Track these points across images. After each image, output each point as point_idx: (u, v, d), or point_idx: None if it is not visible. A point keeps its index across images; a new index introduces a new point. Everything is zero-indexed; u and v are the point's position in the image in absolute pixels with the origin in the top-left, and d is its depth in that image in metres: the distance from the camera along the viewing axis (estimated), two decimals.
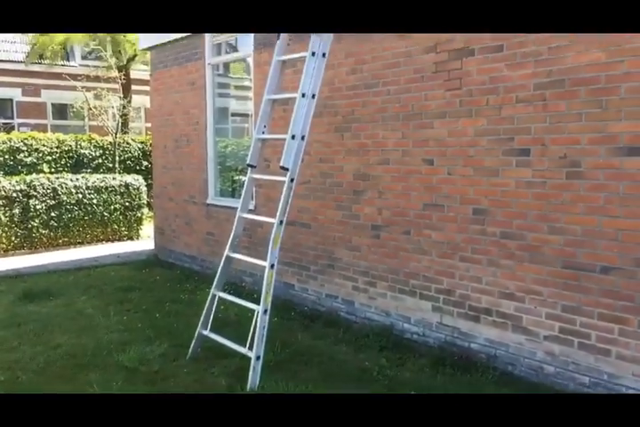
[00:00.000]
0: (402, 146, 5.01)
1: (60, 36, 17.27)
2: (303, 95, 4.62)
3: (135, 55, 17.44)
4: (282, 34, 5.02)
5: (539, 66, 3.97)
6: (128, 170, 13.85)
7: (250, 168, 5.00)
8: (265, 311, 4.37)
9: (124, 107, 14.90)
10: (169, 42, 8.31)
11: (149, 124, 12.49)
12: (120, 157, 14.00)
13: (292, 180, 4.55)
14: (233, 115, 8.54)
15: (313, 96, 4.65)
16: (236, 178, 7.84)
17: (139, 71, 19.34)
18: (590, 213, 3.76)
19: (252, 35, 6.68)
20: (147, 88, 12.39)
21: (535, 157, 4.03)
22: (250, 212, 5.38)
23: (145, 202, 11.06)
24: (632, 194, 3.55)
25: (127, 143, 14.37)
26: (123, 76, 15.88)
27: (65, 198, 9.96)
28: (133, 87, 18.39)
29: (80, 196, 10.14)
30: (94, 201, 10.30)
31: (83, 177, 10.33)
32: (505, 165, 4.23)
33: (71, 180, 10.12)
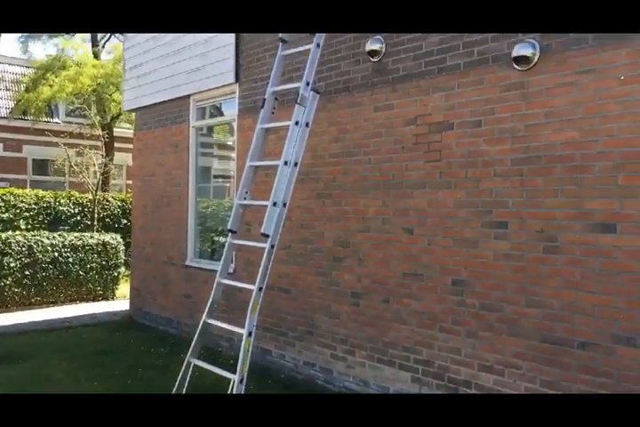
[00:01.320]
0: (382, 214, 5.07)
1: (45, 93, 17.46)
2: (286, 163, 4.70)
3: (119, 114, 17.66)
4: (266, 100, 5.14)
5: (516, 142, 4.09)
6: (107, 228, 13.77)
7: (230, 233, 5.02)
8: (241, 381, 4.28)
9: (105, 165, 14.96)
10: (154, 104, 8.45)
11: (130, 182, 12.52)
12: (99, 214, 13.94)
13: (272, 246, 4.56)
14: (215, 175, 8.60)
15: (295, 164, 4.73)
16: (216, 239, 7.82)
17: (122, 129, 19.54)
18: (567, 287, 3.79)
19: (237, 100, 6.82)
20: (129, 145, 12.49)
21: (513, 230, 4.09)
22: (229, 275, 5.34)
23: (122, 261, 10.94)
24: (607, 270, 3.60)
25: (107, 201, 14.34)
26: (106, 135, 16.02)
27: (40, 256, 9.82)
28: (116, 144, 18.53)
29: (56, 254, 10.01)
30: (70, 260, 10.17)
31: (60, 235, 10.24)
32: (484, 236, 4.28)
33: (48, 238, 10.02)
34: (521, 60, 4.01)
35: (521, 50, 4.00)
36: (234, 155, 6.98)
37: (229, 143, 7.75)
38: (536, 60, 3.95)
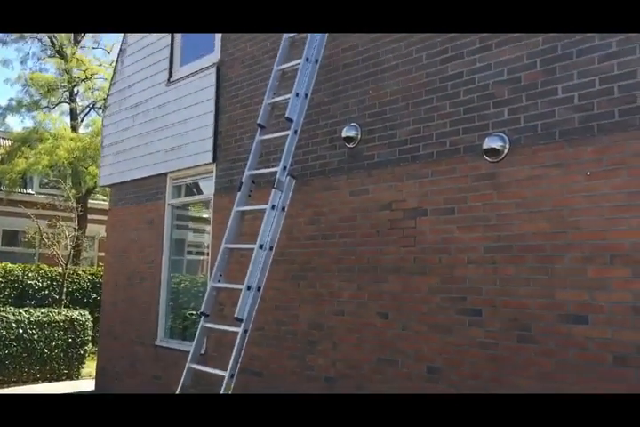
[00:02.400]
0: (357, 297, 5.06)
1: (20, 166, 17.50)
2: (261, 247, 4.73)
3: (95, 187, 17.70)
4: (243, 183, 5.21)
5: (488, 230, 4.18)
6: (76, 302, 13.46)
7: (203, 316, 4.95)
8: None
9: (77, 238, 14.82)
10: (131, 181, 8.50)
11: (103, 254, 12.38)
12: (68, 288, 13.66)
13: (245, 331, 4.50)
14: (189, 250, 8.57)
15: (271, 248, 4.76)
16: (188, 316, 7.70)
17: (97, 201, 19.52)
18: (542, 378, 3.78)
19: (214, 179, 6.91)
20: (103, 217, 12.44)
21: (487, 317, 4.11)
22: (200, 356, 5.23)
23: (90, 338, 10.65)
24: (580, 361, 3.61)
25: (77, 274, 14.09)
26: (80, 207, 15.98)
27: (4, 333, 9.51)
28: (90, 216, 18.45)
29: (21, 331, 9.71)
30: (35, 337, 9.86)
31: (26, 311, 9.97)
32: (458, 323, 4.28)
33: (13, 314, 9.74)
34: (491, 152, 4.16)
35: (491, 142, 4.16)
36: (209, 228, 6.99)
37: (205, 216, 7.78)
38: (506, 152, 4.10)
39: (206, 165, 7.06)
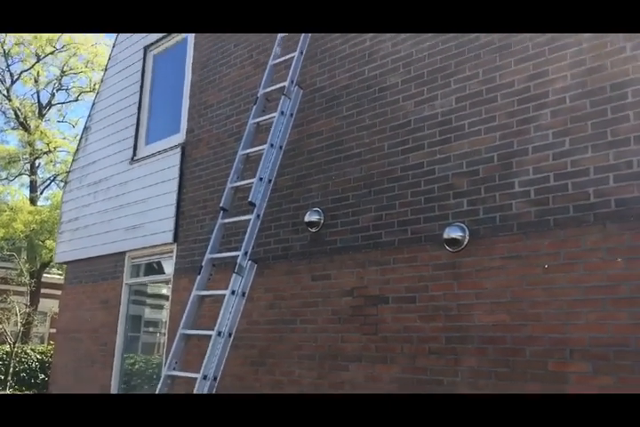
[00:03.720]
0: (317, 386, 4.93)
1: None
2: (219, 333, 4.62)
3: (50, 261, 17.29)
4: (204, 267, 5.15)
5: (449, 320, 4.16)
6: (22, 383, 12.82)
7: None
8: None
9: (28, 315, 14.31)
10: (88, 258, 8.34)
11: (54, 330, 11.93)
12: (15, 368, 13.04)
13: None
14: (145, 329, 8.32)
15: (230, 335, 4.65)
16: None
17: (52, 275, 19.02)
18: None
19: (174, 259, 6.81)
20: (57, 292, 12.07)
21: None
22: None
23: None
24: None
25: (25, 353, 13.51)
26: (33, 283, 15.54)
27: None
28: (43, 291, 17.91)
29: None
30: None
31: None
32: None
33: None
34: (451, 241, 4.21)
35: (451, 232, 4.22)
36: (167, 304, 6.83)
37: (164, 291, 7.60)
38: (466, 242, 4.16)
39: (167, 244, 6.98)
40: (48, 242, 16.49)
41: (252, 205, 5.08)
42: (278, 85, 5.62)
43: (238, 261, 4.84)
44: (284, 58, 5.78)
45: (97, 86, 20.74)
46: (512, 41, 4.18)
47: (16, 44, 22.08)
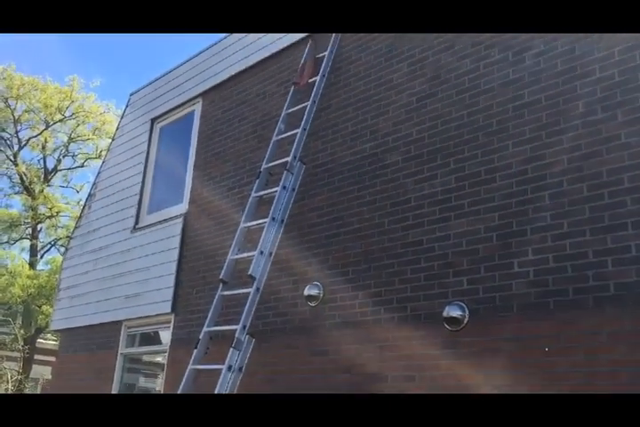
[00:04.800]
0: None
1: None
2: None
3: (46, 326, 17.08)
4: (200, 340, 5.10)
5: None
6: None
7: None
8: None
9: (20, 382, 14.01)
10: (84, 327, 8.25)
11: None
12: None
13: None
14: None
15: None
16: None
17: (46, 341, 18.72)
18: None
19: (171, 330, 6.74)
20: (51, 358, 11.87)
21: None
22: None
23: None
24: None
25: None
26: (27, 349, 15.30)
27: None
28: (37, 356, 17.59)
29: None
30: None
31: None
32: None
33: None
34: (451, 320, 4.19)
35: (451, 311, 4.21)
36: (163, 374, 6.69)
37: (159, 359, 7.46)
38: (465, 322, 4.14)
39: (164, 314, 6.93)
40: (45, 307, 16.35)
41: (252, 278, 5.09)
42: (281, 160, 5.75)
43: (236, 335, 4.80)
44: (287, 134, 5.94)
45: (103, 153, 21.16)
46: (510, 124, 4.31)
47: (26, 112, 22.68)
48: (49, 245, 20.64)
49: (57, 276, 11.69)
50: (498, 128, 4.37)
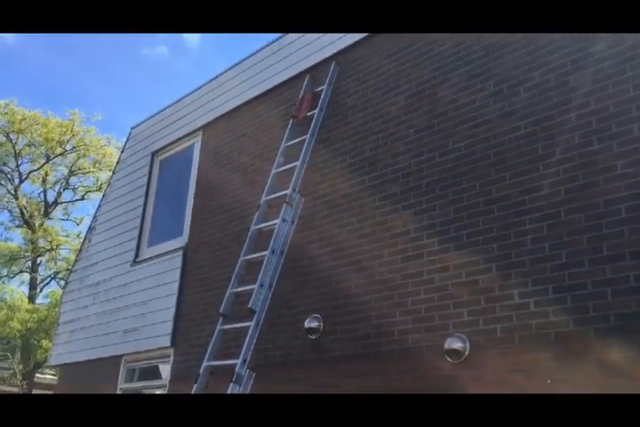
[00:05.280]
0: None
1: None
2: None
3: (45, 361, 16.92)
4: (200, 375, 5.05)
5: None
6: None
7: None
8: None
9: None
10: (83, 362, 8.17)
11: None
12: None
13: None
14: None
15: None
16: None
17: (44, 375, 18.52)
18: None
19: (170, 364, 6.68)
20: (50, 393, 11.70)
21: None
22: None
23: None
24: None
25: None
26: (25, 384, 15.13)
27: None
28: (35, 391, 17.36)
29: None
30: None
31: None
32: None
33: None
34: (452, 352, 4.16)
35: (452, 343, 4.18)
36: None
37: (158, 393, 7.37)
38: (467, 354, 4.11)
39: (164, 348, 6.88)
40: (44, 342, 16.21)
41: (253, 311, 5.07)
42: (280, 193, 5.78)
43: (237, 369, 4.76)
44: (286, 166, 5.98)
45: (103, 185, 21.26)
46: (507, 156, 4.35)
47: (27, 146, 22.87)
48: (48, 279, 20.61)
49: (56, 310, 11.62)
50: (495, 159, 4.41)
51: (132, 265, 7.96)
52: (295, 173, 5.74)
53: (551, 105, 4.21)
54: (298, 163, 5.79)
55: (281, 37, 6.93)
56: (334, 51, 6.18)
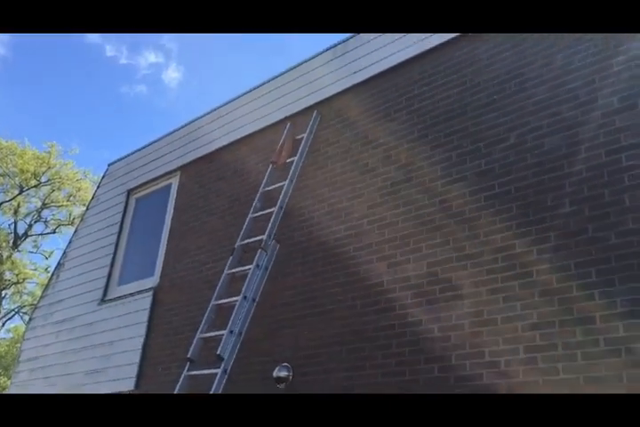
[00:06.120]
0: None
1: None
2: None
3: None
4: None
5: None
6: None
7: None
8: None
9: None
10: None
11: None
12: None
13: None
14: None
15: None
16: None
17: None
18: None
19: None
20: None
21: None
22: None
23: None
24: None
25: None
26: None
27: None
28: None
29: None
30: None
31: None
32: None
33: None
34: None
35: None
36: None
37: None
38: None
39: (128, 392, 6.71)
40: (2, 379, 15.66)
41: (220, 358, 4.99)
42: (256, 238, 5.77)
43: None
44: (263, 212, 5.99)
45: (75, 220, 21.00)
46: (481, 213, 4.42)
47: (1, 176, 22.60)
48: (12, 313, 20.05)
49: (18, 346, 11.30)
50: (469, 216, 4.47)
51: (99, 304, 7.82)
52: (272, 219, 5.75)
53: (524, 166, 4.31)
54: (275, 208, 5.81)
55: (264, 83, 7.04)
56: (316, 100, 6.29)
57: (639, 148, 3.82)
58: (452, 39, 5.24)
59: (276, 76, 6.92)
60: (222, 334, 5.15)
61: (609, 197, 3.81)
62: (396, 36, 5.70)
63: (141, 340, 6.82)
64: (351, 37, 6.20)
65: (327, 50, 6.43)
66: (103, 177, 9.46)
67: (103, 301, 7.81)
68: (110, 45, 42.22)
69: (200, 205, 7.18)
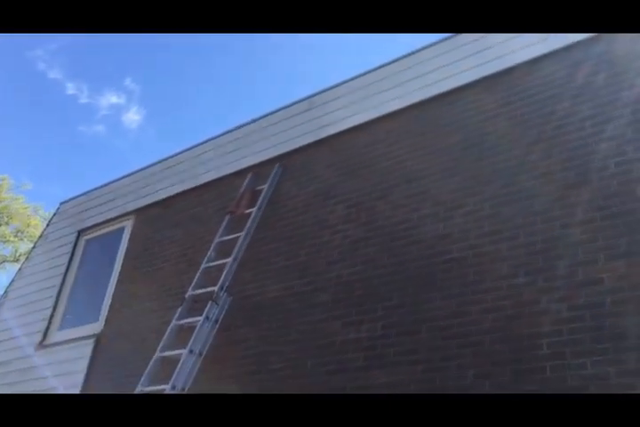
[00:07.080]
0: None
1: None
2: None
3: None
4: None
5: None
6: None
7: None
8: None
9: None
10: None
11: None
12: None
13: None
14: None
15: None
16: None
17: None
18: None
19: None
20: None
21: None
22: None
23: None
24: None
25: None
26: None
27: None
28: None
29: None
30: None
31: None
32: None
33: None
34: None
35: None
36: None
37: None
38: None
39: None
40: None
41: None
42: (208, 289, 5.62)
43: None
44: (217, 262, 5.87)
45: (21, 257, 20.27)
46: (438, 277, 4.42)
47: None
48: None
49: None
50: (427, 280, 4.47)
51: (36, 349, 7.46)
52: (225, 270, 5.63)
53: (482, 233, 4.36)
54: (229, 260, 5.70)
55: (229, 132, 7.04)
56: (280, 152, 6.30)
57: (591, 223, 3.91)
58: (416, 103, 5.36)
59: (241, 126, 6.93)
60: (164, 389, 4.94)
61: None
62: (362, 95, 5.81)
63: (77, 391, 6.50)
64: (318, 94, 6.29)
65: (294, 104, 6.49)
66: (54, 215, 9.21)
67: (41, 345, 7.46)
68: (72, 83, 41.89)
69: (153, 250, 7.02)
